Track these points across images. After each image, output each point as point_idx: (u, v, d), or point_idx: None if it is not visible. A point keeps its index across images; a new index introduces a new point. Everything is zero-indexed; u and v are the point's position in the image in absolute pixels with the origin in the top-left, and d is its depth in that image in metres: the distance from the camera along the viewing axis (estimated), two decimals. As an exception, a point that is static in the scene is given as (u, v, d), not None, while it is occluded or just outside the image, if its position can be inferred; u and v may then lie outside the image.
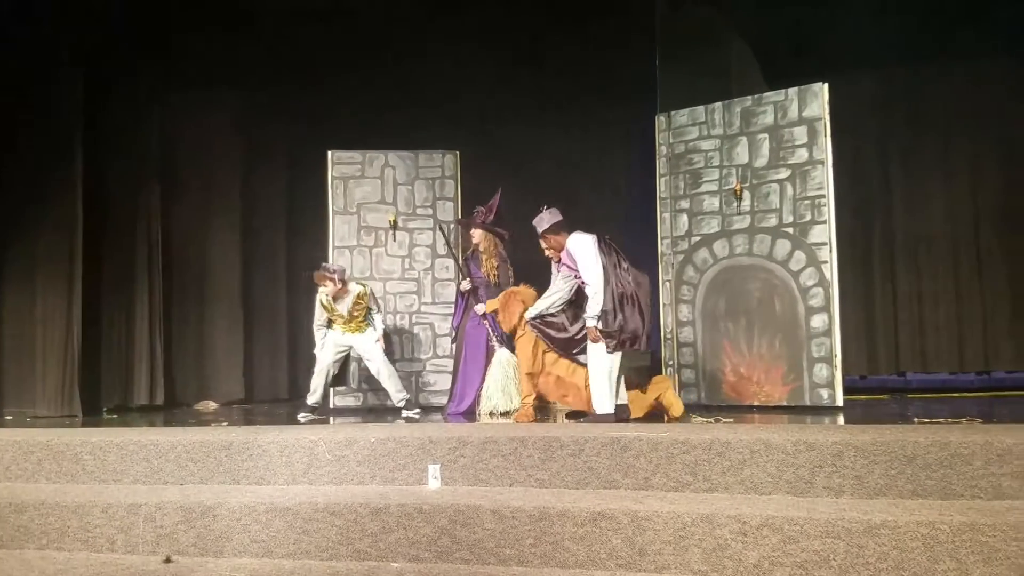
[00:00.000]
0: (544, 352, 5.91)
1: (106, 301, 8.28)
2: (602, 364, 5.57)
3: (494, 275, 6.96)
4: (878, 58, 8.22)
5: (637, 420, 5.67)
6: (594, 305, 5.57)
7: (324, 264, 7.08)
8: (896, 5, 7.99)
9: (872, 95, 8.50)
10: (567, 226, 5.88)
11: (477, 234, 7.09)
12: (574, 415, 6.09)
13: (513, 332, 6.11)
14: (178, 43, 8.70)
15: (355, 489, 4.84)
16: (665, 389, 5.94)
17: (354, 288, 6.98)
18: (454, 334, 7.27)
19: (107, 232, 8.29)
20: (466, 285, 7.04)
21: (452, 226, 7.91)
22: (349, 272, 7.74)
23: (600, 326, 5.53)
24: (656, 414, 5.87)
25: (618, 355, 5.59)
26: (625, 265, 5.62)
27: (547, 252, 6.23)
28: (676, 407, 5.86)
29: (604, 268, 5.57)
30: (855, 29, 7.95)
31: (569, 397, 5.91)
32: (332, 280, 6.87)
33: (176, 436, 5.36)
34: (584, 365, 5.76)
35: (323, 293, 6.94)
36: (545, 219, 5.85)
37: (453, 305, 7.42)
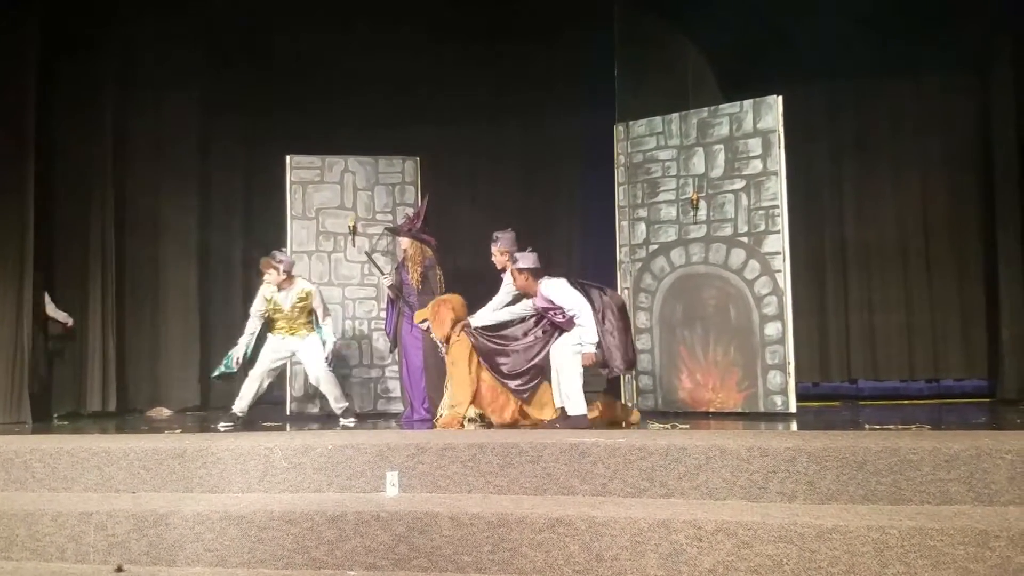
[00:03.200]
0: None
1: (58, 305, 8.11)
2: (571, 368, 5.66)
3: (418, 282, 6.93)
4: (830, 72, 8.41)
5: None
6: (589, 334, 5.69)
7: (273, 251, 6.90)
8: (848, 22, 8.16)
9: (824, 107, 8.68)
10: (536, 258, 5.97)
11: (404, 241, 7.04)
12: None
13: (447, 339, 6.12)
14: (134, 42, 8.58)
15: (311, 497, 4.80)
16: (611, 408, 5.98)
17: (300, 284, 6.85)
18: (391, 342, 7.21)
19: (59, 234, 8.13)
20: (386, 281, 7.04)
21: (378, 239, 7.91)
22: (307, 276, 7.69)
23: (595, 352, 5.68)
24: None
25: (579, 358, 5.68)
26: (606, 298, 5.74)
27: (494, 258, 6.30)
28: (633, 416, 5.95)
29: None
30: (808, 44, 8.10)
31: (497, 405, 5.95)
32: (276, 269, 6.72)
33: (129, 443, 5.28)
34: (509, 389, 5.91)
35: (266, 284, 6.79)
36: (528, 259, 5.92)
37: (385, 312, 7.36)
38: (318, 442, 5.03)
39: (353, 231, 8.02)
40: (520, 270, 5.90)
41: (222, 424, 6.61)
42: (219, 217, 9.45)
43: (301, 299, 6.80)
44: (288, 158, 8.04)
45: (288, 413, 7.83)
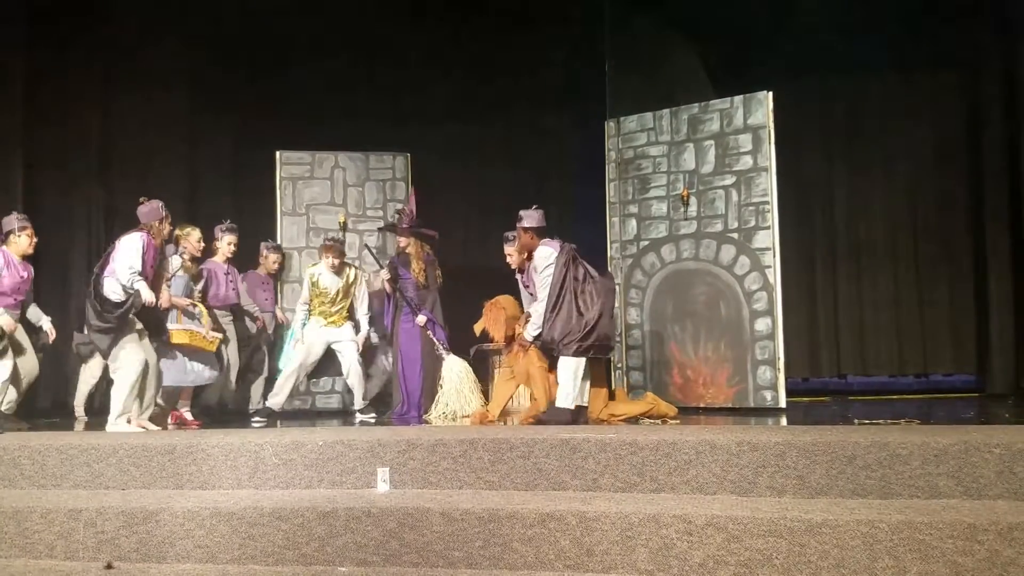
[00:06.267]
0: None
1: (43, 302, 8.04)
2: (570, 363, 5.63)
3: (422, 277, 6.91)
4: (820, 68, 8.44)
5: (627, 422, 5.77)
6: (531, 328, 5.78)
7: (332, 235, 7.10)
8: (838, 18, 8.18)
9: (815, 103, 8.71)
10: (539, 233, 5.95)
11: (405, 240, 7.01)
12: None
13: (507, 341, 6.02)
14: (121, 37, 8.53)
15: (302, 493, 4.79)
16: (656, 403, 6.04)
17: (349, 270, 6.99)
18: (388, 336, 7.17)
19: (46, 232, 8.06)
20: (384, 275, 6.97)
21: (379, 237, 7.88)
22: (297, 272, 7.69)
23: (541, 335, 5.72)
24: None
25: (583, 358, 5.66)
26: (593, 274, 5.73)
27: (509, 258, 6.30)
28: (671, 410, 6.02)
29: (564, 284, 5.64)
30: (799, 40, 8.13)
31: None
32: (342, 252, 6.92)
33: (118, 440, 5.25)
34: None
35: (316, 267, 6.89)
36: (534, 217, 5.91)
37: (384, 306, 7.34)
38: (309, 438, 5.01)
39: (343, 227, 8.00)
40: (525, 229, 5.90)
41: (255, 420, 6.62)
42: (208, 214, 9.39)
43: (349, 283, 6.90)
44: (278, 154, 8.02)
45: (279, 410, 7.80)
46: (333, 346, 6.98)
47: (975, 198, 8.17)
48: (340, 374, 7.19)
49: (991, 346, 7.83)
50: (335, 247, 6.93)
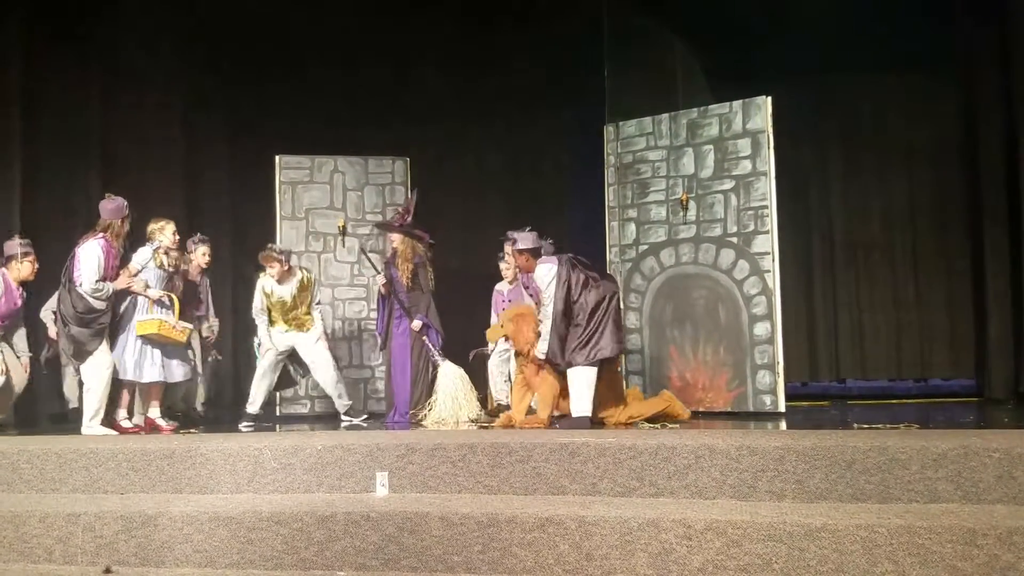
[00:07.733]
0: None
1: (40, 303, 8.02)
2: (582, 371, 5.61)
3: (408, 278, 6.81)
4: (818, 70, 8.44)
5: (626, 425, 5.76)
6: (542, 345, 5.69)
7: (270, 245, 6.84)
8: (836, 20, 8.20)
9: (812, 106, 8.72)
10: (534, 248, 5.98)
11: (395, 238, 6.90)
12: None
13: (524, 351, 5.91)
14: (120, 39, 8.53)
15: (301, 497, 4.79)
16: (671, 401, 6.06)
17: (299, 273, 6.81)
18: (382, 341, 7.09)
19: (43, 234, 8.06)
20: (380, 279, 6.91)
21: (371, 235, 7.85)
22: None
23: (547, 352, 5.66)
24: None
25: (594, 367, 5.63)
26: (596, 279, 5.70)
27: (505, 271, 6.32)
28: (685, 413, 6.03)
29: (567, 299, 5.61)
30: (797, 42, 8.13)
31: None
32: (279, 260, 6.66)
33: (117, 444, 5.26)
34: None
35: (265, 278, 6.75)
36: (528, 239, 5.94)
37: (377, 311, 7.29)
38: (308, 443, 5.01)
39: (343, 232, 8.00)
40: (520, 251, 5.91)
41: (243, 425, 6.61)
42: (207, 219, 9.39)
43: (303, 287, 6.75)
44: (277, 158, 8.03)
45: (278, 414, 7.81)
46: (302, 355, 6.83)
47: (973, 201, 8.16)
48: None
49: (990, 350, 7.81)
50: (270, 256, 6.68)
